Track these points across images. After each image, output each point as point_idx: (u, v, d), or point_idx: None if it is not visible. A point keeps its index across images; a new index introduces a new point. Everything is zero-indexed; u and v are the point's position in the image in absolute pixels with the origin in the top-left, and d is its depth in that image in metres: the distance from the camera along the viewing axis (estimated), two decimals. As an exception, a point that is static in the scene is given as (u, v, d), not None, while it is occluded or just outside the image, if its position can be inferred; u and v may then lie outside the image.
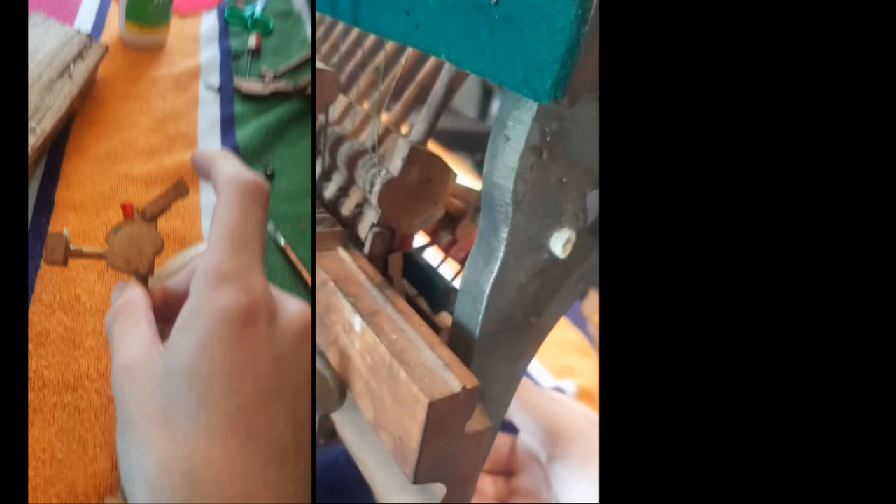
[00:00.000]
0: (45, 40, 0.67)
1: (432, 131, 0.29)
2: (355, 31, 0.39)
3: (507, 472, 0.44)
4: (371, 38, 0.37)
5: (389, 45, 0.34)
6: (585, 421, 0.40)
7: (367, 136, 0.31)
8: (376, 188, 0.29)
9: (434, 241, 0.37)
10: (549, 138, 0.22)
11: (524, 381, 0.42)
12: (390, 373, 0.24)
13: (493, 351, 0.27)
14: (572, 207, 0.25)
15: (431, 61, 0.33)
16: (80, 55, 0.68)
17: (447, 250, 0.39)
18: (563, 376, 0.61)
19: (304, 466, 0.25)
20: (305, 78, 0.80)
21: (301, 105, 0.77)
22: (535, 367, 0.63)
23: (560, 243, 0.25)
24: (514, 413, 0.41)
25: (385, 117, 0.32)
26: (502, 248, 0.24)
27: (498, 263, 0.24)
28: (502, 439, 0.44)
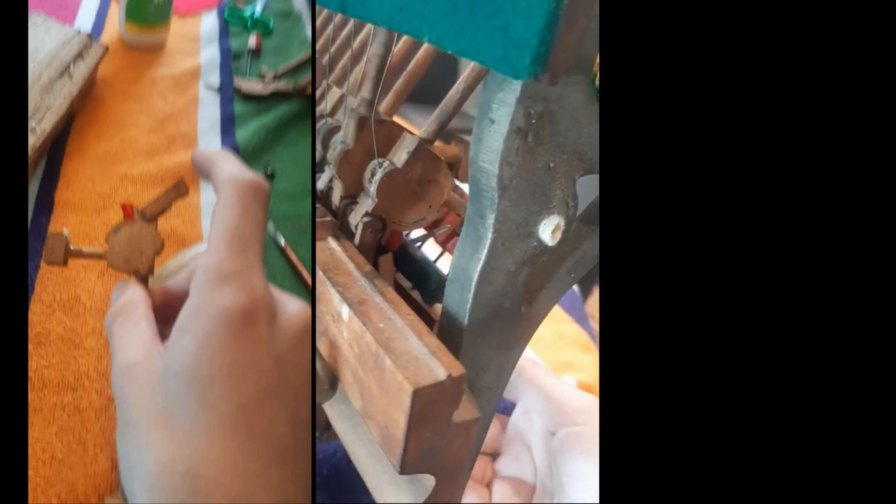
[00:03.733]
0: (45, 40, 0.67)
1: (441, 132, 0.29)
2: (350, 24, 0.39)
3: (494, 452, 0.43)
4: (365, 31, 0.37)
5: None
6: (587, 398, 0.39)
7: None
8: (377, 177, 0.29)
9: (431, 233, 0.37)
10: (534, 121, 0.22)
11: (530, 361, 0.41)
12: (376, 361, 0.24)
13: (484, 340, 0.26)
14: (561, 193, 0.24)
15: (423, 49, 0.33)
16: (80, 55, 0.68)
17: (445, 244, 0.39)
18: (563, 371, 0.61)
19: (304, 466, 0.25)
20: (305, 78, 0.79)
21: (301, 105, 0.77)
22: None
23: (549, 230, 0.24)
24: (521, 389, 0.41)
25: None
26: (489, 234, 0.24)
27: (485, 251, 0.24)
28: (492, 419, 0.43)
